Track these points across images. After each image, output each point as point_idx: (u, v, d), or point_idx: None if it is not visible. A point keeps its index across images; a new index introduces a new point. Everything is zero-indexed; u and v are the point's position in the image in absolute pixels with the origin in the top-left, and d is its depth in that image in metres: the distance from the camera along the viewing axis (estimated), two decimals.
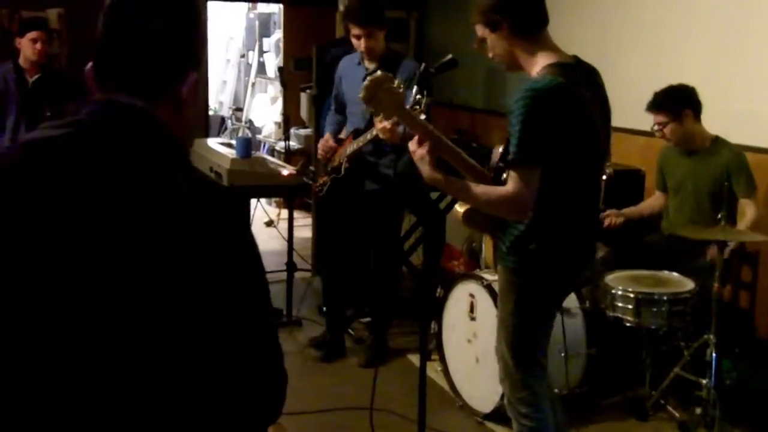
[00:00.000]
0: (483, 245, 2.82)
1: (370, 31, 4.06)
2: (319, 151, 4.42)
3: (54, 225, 1.17)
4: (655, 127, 4.00)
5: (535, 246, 2.55)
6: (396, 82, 2.46)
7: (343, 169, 4.19)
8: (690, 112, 3.91)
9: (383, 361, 4.26)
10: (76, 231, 1.17)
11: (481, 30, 2.56)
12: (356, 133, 4.17)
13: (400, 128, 3.84)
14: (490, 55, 2.60)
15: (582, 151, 2.53)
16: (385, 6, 4.30)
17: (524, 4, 2.54)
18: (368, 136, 4.00)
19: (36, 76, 4.98)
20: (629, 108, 4.44)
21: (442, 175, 2.51)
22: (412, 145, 2.53)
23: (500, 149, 2.70)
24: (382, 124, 3.80)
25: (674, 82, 4.01)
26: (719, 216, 3.49)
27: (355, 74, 4.25)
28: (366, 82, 2.45)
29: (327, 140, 4.37)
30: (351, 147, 4.15)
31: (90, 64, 1.32)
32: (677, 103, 3.91)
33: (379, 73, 2.48)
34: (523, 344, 2.68)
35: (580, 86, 2.47)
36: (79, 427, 1.18)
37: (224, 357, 1.23)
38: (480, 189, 2.51)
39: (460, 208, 2.69)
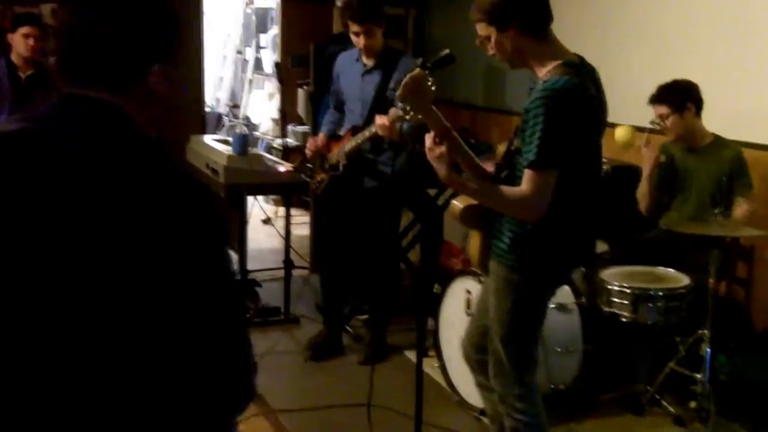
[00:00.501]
0: (469, 242, 2.82)
1: (368, 28, 4.07)
2: (308, 148, 4.43)
3: (7, 217, 1.19)
4: (656, 120, 3.99)
5: (539, 245, 2.57)
6: (431, 80, 2.47)
7: (341, 167, 4.20)
8: (692, 107, 3.92)
9: (381, 359, 4.27)
10: (30, 223, 1.18)
11: (485, 28, 2.55)
12: (354, 131, 4.18)
13: (398, 125, 3.85)
14: (491, 52, 2.59)
15: (591, 150, 2.57)
16: (384, 2, 4.30)
17: (533, 2, 2.53)
18: (366, 133, 4.00)
19: (29, 72, 4.96)
20: (628, 104, 4.46)
21: (459, 175, 2.52)
22: (428, 142, 2.53)
23: (503, 148, 2.71)
24: (381, 121, 3.81)
25: (674, 77, 4.02)
26: (716, 211, 3.51)
27: (353, 71, 4.26)
28: (406, 80, 2.45)
29: (317, 139, 4.38)
30: (349, 144, 4.16)
31: (53, 58, 1.32)
32: (680, 95, 3.91)
33: (417, 70, 2.48)
34: (520, 341, 2.70)
35: (588, 85, 2.49)
36: (41, 415, 1.19)
37: (190, 348, 1.25)
38: (496, 189, 2.53)
39: (459, 204, 2.69)
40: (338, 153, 4.25)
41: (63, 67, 1.30)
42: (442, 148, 2.49)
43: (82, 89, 1.27)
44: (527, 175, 2.44)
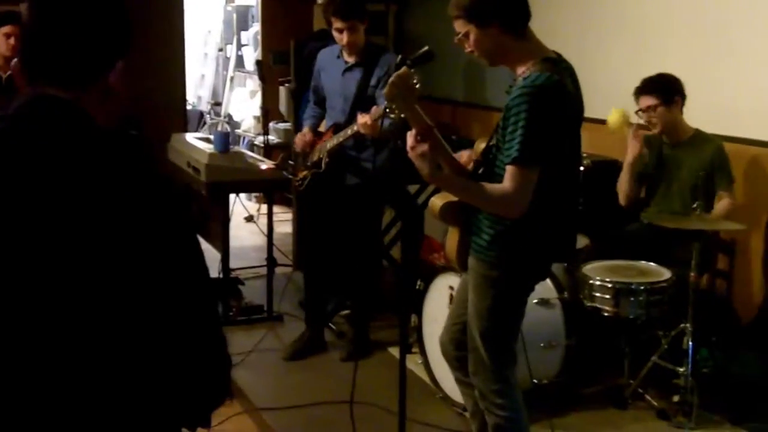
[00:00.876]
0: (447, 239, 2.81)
1: (352, 25, 4.05)
2: (296, 145, 4.41)
3: None
4: (640, 113, 3.98)
5: (518, 240, 2.57)
6: (416, 78, 2.46)
7: (323, 164, 4.19)
8: (680, 100, 3.94)
9: (364, 355, 4.26)
10: (2, 223, 1.19)
11: (463, 25, 2.54)
12: (336, 128, 4.16)
13: (379, 122, 3.84)
14: (469, 50, 2.59)
15: (571, 146, 2.58)
16: None
17: (512, 5, 2.54)
18: (349, 131, 3.99)
19: (9, 73, 4.92)
20: (608, 99, 4.47)
21: (442, 173, 2.51)
22: (410, 140, 2.51)
23: (482, 145, 2.70)
24: (363, 120, 3.80)
25: (654, 72, 4.03)
26: (695, 205, 3.53)
27: (334, 67, 4.25)
28: (393, 79, 2.43)
29: (305, 134, 4.36)
30: (331, 142, 4.14)
31: (15, 59, 1.34)
32: (669, 88, 3.93)
33: (404, 69, 2.47)
34: (501, 337, 2.71)
35: (567, 81, 2.51)
36: (13, 408, 1.19)
37: (163, 344, 1.25)
38: (478, 187, 2.52)
39: (438, 201, 2.69)
40: (320, 150, 4.23)
41: (27, 67, 1.32)
42: (425, 146, 2.48)
43: (46, 88, 1.29)
44: (510, 171, 2.44)
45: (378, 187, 4.22)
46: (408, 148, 2.52)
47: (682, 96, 3.95)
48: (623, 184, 4.12)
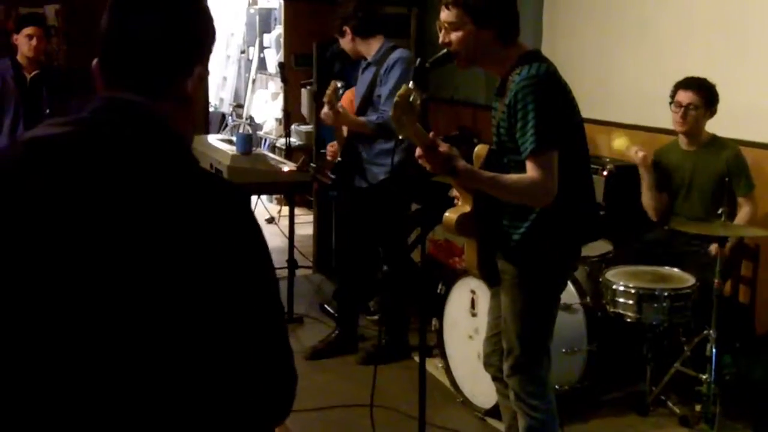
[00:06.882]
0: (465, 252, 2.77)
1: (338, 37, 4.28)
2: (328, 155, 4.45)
3: (56, 223, 1.17)
4: (673, 107, 3.96)
5: (549, 229, 2.56)
6: (414, 95, 2.36)
7: (335, 164, 4.27)
8: (715, 110, 3.93)
9: (386, 360, 4.21)
10: (78, 229, 1.17)
11: (458, 16, 2.52)
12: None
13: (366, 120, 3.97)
14: (447, 40, 2.56)
15: (579, 130, 2.62)
16: (385, 2, 4.31)
17: (513, 16, 2.57)
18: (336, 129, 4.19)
19: (34, 73, 4.97)
20: (629, 104, 4.44)
21: (463, 167, 2.46)
22: (418, 151, 2.47)
23: (482, 151, 2.65)
24: (324, 110, 3.92)
25: (675, 78, 4.02)
26: (720, 212, 3.50)
27: (360, 68, 4.33)
28: (396, 99, 2.35)
29: (333, 144, 4.39)
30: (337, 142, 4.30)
31: (96, 60, 1.32)
32: (714, 93, 3.91)
33: (403, 87, 2.37)
34: (537, 337, 2.70)
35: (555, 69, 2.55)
36: (81, 428, 1.17)
37: (231, 355, 1.23)
38: (507, 178, 2.51)
39: (452, 215, 2.63)
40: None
41: (106, 71, 1.29)
42: (444, 150, 2.44)
43: (123, 93, 1.26)
44: (531, 162, 2.45)
45: (390, 191, 4.13)
46: (416, 156, 2.48)
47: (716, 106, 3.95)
48: (650, 202, 4.11)
